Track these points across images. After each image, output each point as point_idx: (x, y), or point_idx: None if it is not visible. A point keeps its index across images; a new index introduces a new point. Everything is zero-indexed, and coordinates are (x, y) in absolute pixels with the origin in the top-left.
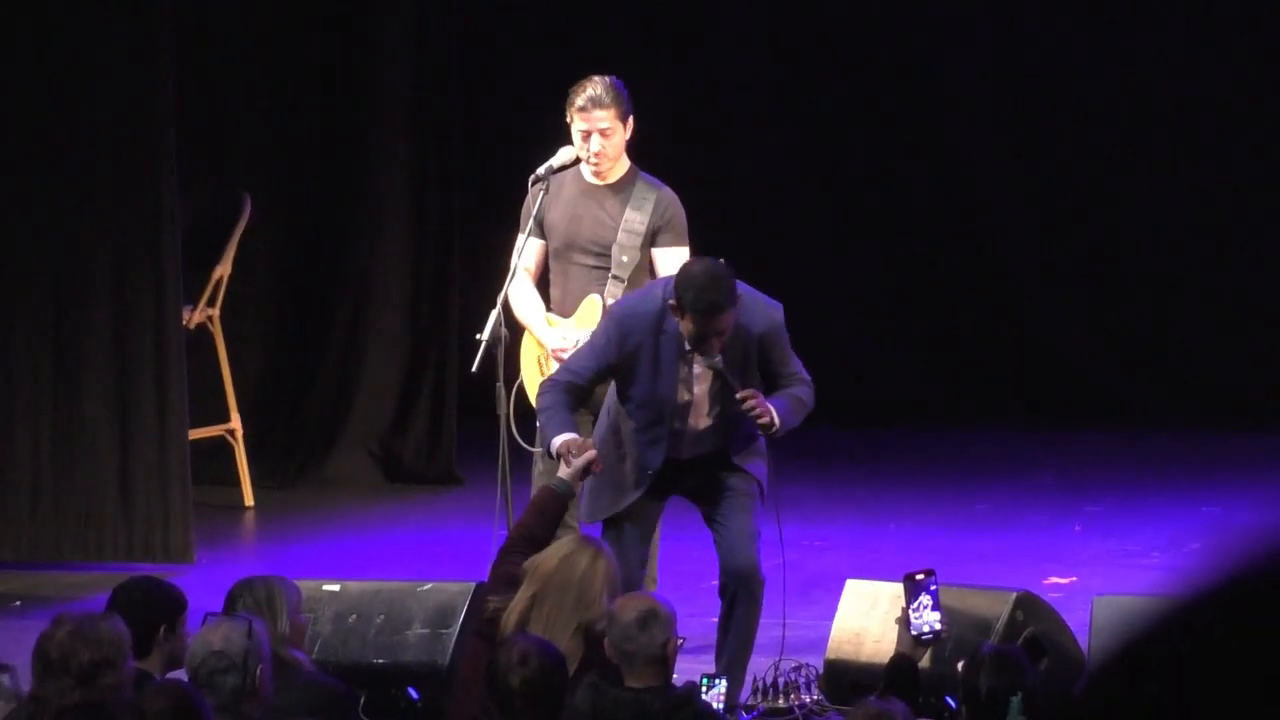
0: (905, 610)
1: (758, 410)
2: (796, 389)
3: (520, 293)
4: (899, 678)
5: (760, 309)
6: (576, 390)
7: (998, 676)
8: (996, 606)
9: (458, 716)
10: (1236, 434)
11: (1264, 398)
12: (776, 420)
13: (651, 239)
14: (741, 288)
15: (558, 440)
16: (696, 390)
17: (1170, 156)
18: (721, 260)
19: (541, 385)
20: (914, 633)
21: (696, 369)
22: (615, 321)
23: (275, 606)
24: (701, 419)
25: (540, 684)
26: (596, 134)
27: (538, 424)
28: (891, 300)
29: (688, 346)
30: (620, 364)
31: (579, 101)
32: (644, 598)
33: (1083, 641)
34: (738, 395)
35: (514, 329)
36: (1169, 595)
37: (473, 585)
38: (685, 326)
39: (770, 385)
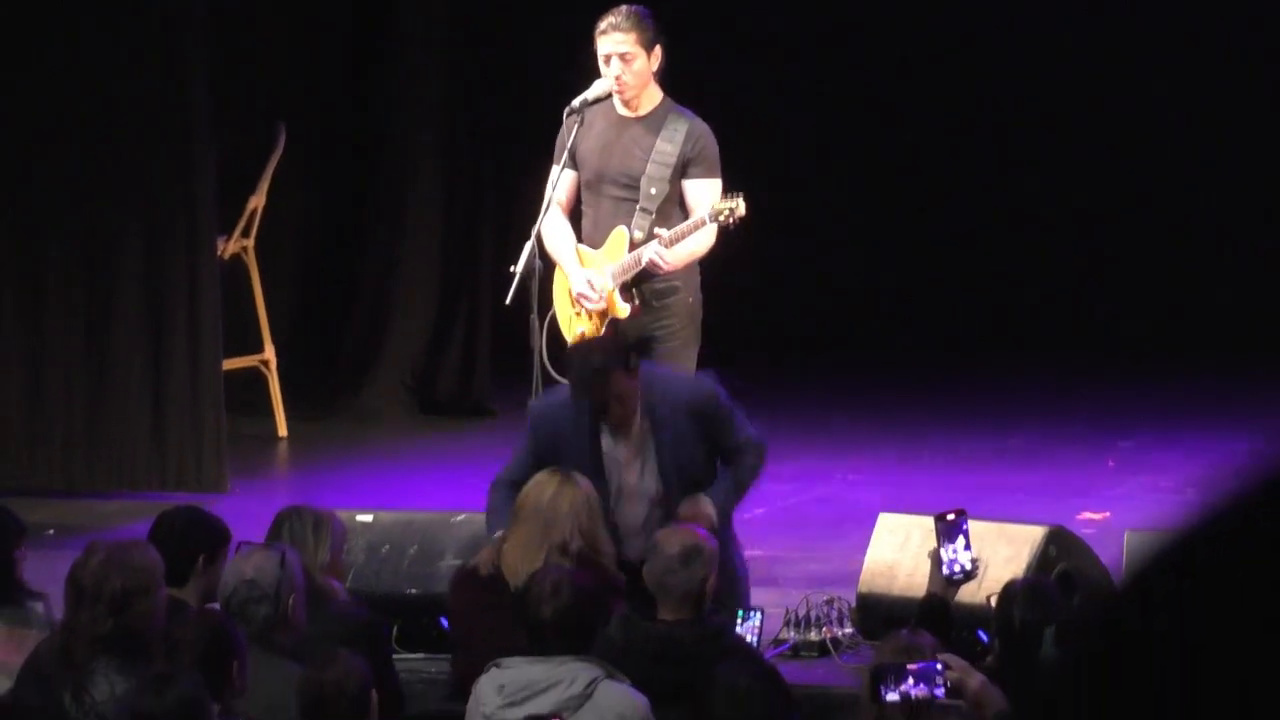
0: (936, 551)
1: (707, 523)
2: (740, 465)
3: (552, 226)
4: (930, 618)
5: (684, 384)
6: (519, 482)
7: (1031, 610)
8: (1029, 541)
9: (464, 666)
10: (1273, 369)
11: None
12: (714, 513)
13: (682, 170)
14: (663, 371)
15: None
16: (625, 475)
17: (1185, 85)
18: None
19: (490, 486)
20: (945, 573)
21: (617, 449)
22: (530, 416)
23: (320, 535)
24: (637, 506)
25: (570, 616)
26: (617, 58)
27: (486, 521)
28: (928, 240)
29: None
30: (547, 457)
31: (600, 25)
32: (688, 532)
33: (1115, 577)
34: (682, 514)
35: (548, 261)
36: (1178, 528)
37: None
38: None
39: (723, 460)
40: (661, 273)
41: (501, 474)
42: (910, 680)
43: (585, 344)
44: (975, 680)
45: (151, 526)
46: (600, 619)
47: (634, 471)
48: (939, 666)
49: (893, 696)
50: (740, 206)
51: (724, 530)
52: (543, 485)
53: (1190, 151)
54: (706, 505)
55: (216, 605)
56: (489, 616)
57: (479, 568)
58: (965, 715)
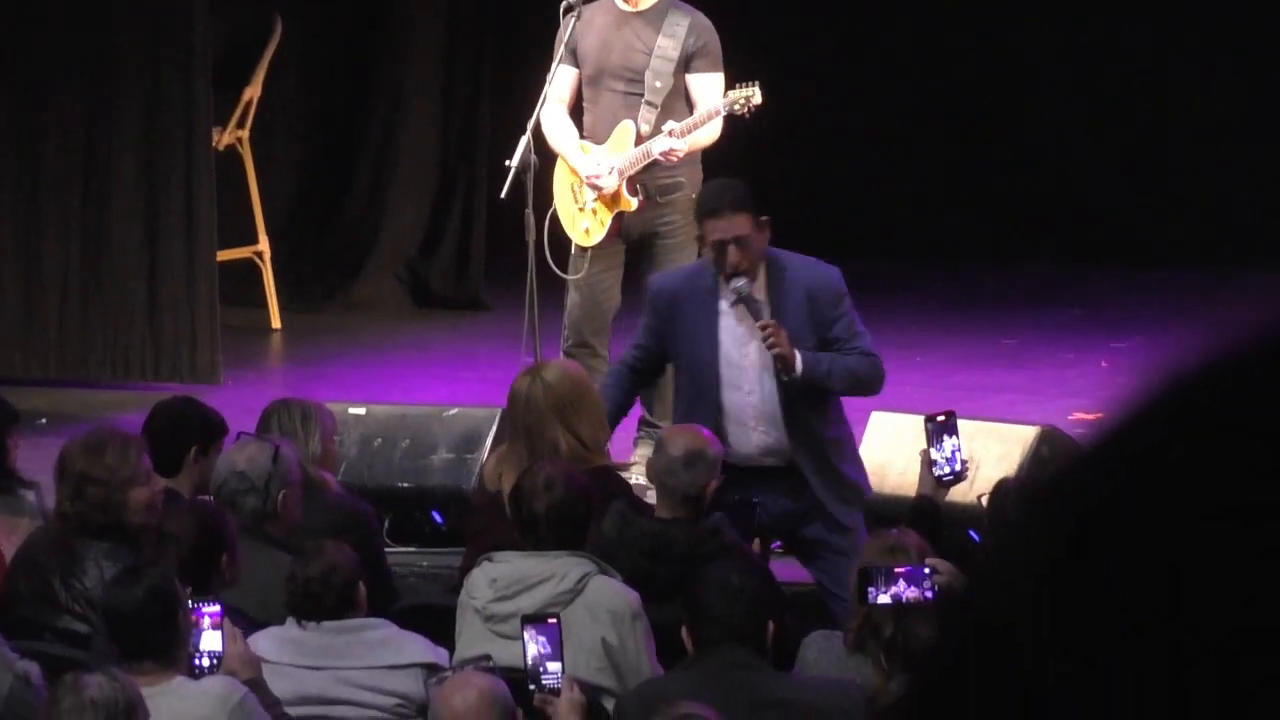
0: (926, 452)
1: (773, 341)
2: (850, 356)
3: (553, 120)
4: (921, 520)
5: (810, 268)
6: (634, 366)
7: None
8: (1021, 441)
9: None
10: (1268, 274)
11: None
12: (798, 364)
13: (685, 65)
14: (793, 254)
15: None
16: (743, 352)
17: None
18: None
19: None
20: (935, 474)
21: (734, 324)
22: (649, 290)
23: (309, 428)
24: (751, 390)
25: (563, 511)
26: None
27: None
28: (927, 140)
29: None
30: (665, 330)
31: None
32: (695, 434)
33: None
34: (758, 324)
35: (544, 156)
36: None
37: (498, 410)
38: (707, 251)
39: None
40: (674, 165)
41: (623, 354)
42: (900, 583)
43: (718, 181)
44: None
45: (146, 417)
46: (593, 515)
47: (749, 349)
48: (927, 570)
49: (882, 599)
50: (756, 95)
51: (826, 406)
52: (515, 393)
53: (1196, 58)
54: (789, 343)
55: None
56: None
57: (486, 484)
58: None
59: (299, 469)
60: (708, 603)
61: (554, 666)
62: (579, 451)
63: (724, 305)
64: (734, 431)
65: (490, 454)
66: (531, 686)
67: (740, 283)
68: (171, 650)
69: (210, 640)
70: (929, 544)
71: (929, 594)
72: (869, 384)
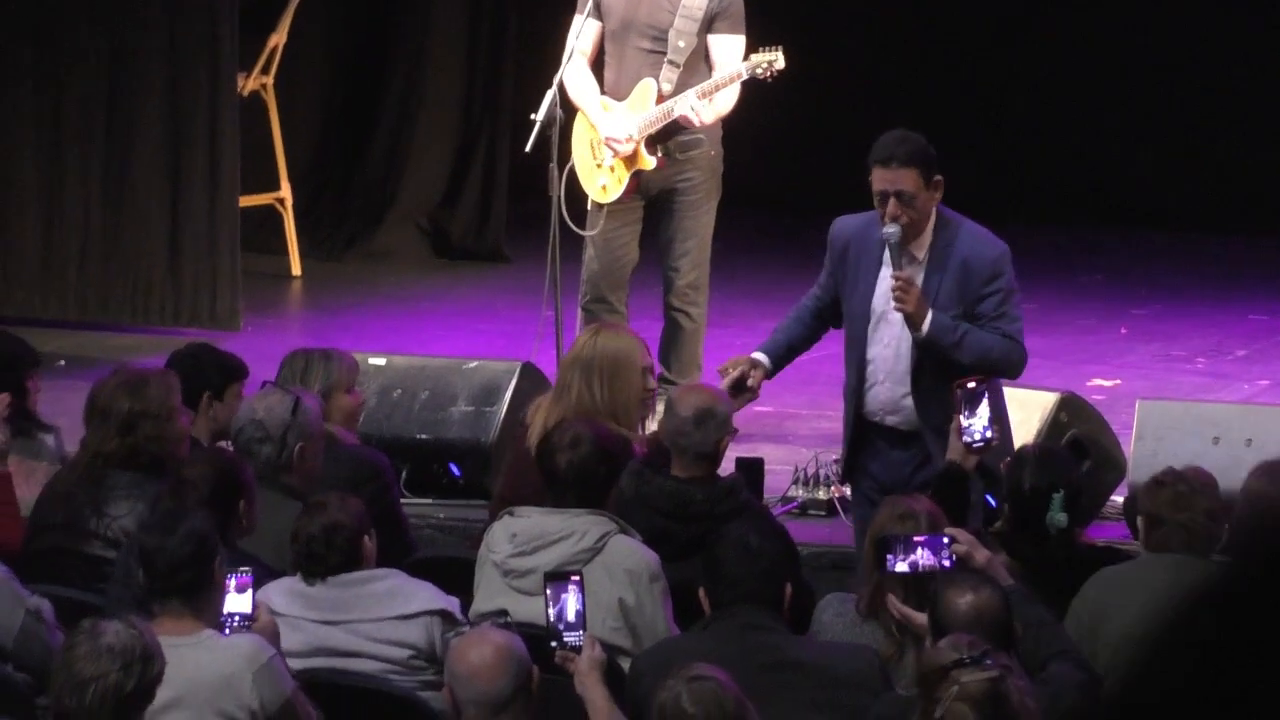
0: (957, 418)
1: (900, 294)
2: (989, 335)
3: (575, 75)
4: (948, 485)
5: (976, 239)
6: (811, 308)
7: (1040, 474)
8: (1041, 407)
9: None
10: None
11: None
12: (926, 323)
13: (708, 25)
14: (969, 222)
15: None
16: (892, 306)
17: None
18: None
19: None
20: (966, 440)
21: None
22: (831, 231)
23: (325, 378)
24: (888, 344)
25: (585, 469)
26: None
27: None
28: (950, 102)
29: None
30: (838, 273)
31: None
32: (704, 392)
33: (1125, 445)
34: (891, 275)
35: (569, 111)
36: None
37: (518, 364)
38: (875, 198)
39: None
40: (693, 127)
41: (811, 289)
42: (918, 551)
43: (898, 132)
44: (981, 554)
45: (164, 363)
46: (616, 476)
47: (896, 314)
48: (945, 539)
49: (901, 567)
50: (779, 59)
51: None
52: (577, 344)
53: (1227, 17)
54: (920, 295)
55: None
56: (519, 466)
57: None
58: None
59: (321, 422)
60: (725, 563)
61: (576, 624)
62: (587, 408)
63: (887, 256)
64: (869, 384)
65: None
66: (553, 644)
67: (892, 229)
68: (201, 595)
69: (237, 603)
70: (959, 511)
71: (946, 563)
72: (1002, 366)
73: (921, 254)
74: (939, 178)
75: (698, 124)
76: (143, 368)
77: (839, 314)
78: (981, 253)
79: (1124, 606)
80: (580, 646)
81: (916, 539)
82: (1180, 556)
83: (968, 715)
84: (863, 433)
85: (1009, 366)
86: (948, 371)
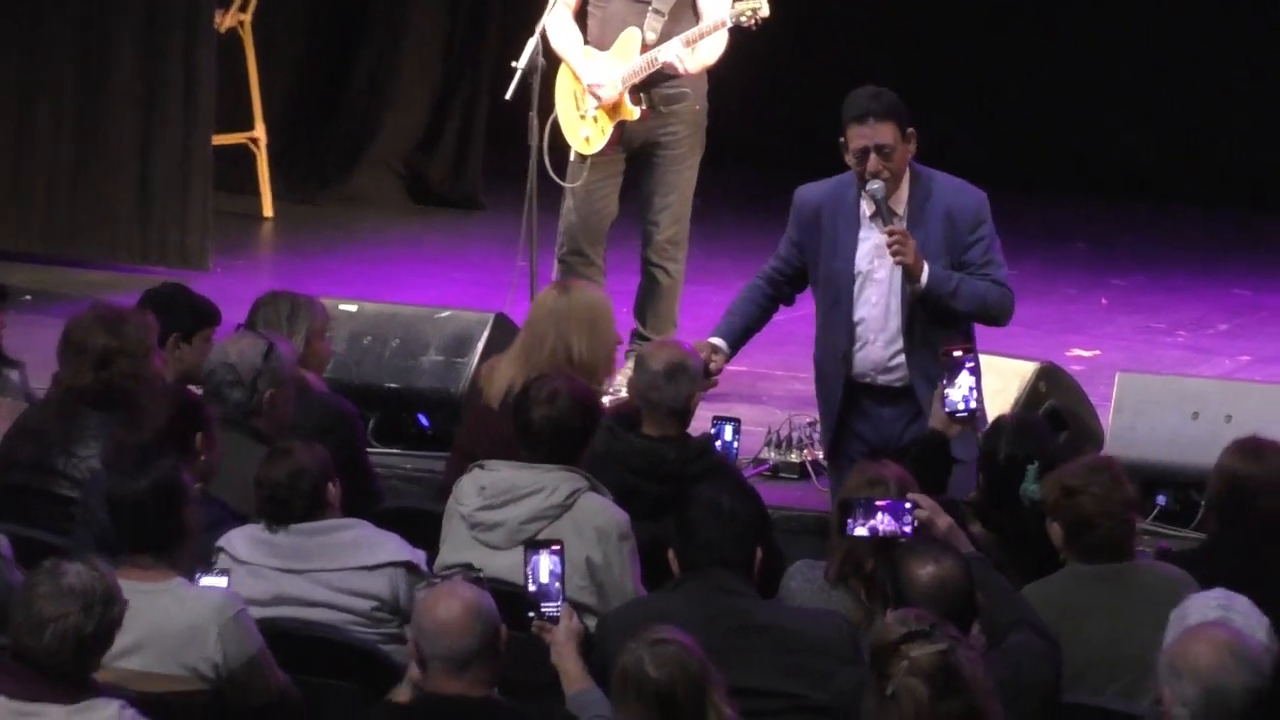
0: (940, 386)
1: (897, 247)
2: (981, 282)
3: (558, 24)
4: (929, 454)
5: (955, 188)
6: (771, 279)
7: (1016, 444)
8: (1019, 376)
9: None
10: (1273, 216)
11: None
12: (924, 275)
13: None
14: (940, 173)
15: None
16: (876, 264)
17: None
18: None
19: None
20: (948, 409)
21: (875, 236)
22: (796, 200)
23: (296, 323)
24: (877, 303)
25: (561, 425)
26: None
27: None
28: (940, 63)
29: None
30: (804, 241)
31: None
32: (674, 347)
33: (1103, 417)
34: (885, 229)
35: (551, 59)
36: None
37: (491, 315)
38: (849, 158)
39: None
40: (679, 75)
41: (763, 267)
42: (878, 516)
43: (869, 88)
44: (943, 521)
45: (137, 302)
46: (591, 432)
47: (883, 261)
48: (908, 505)
49: (860, 531)
50: (764, 7)
51: (953, 331)
52: (537, 302)
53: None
54: (915, 249)
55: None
56: (478, 422)
57: (479, 377)
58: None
59: (294, 369)
60: (697, 525)
61: (554, 594)
62: (559, 363)
63: (864, 217)
64: (859, 345)
65: (489, 360)
66: (530, 614)
67: (876, 185)
68: (172, 546)
69: None
70: (938, 479)
71: (907, 529)
72: (996, 312)
73: (900, 208)
74: (912, 129)
75: (682, 72)
76: (119, 305)
77: (798, 286)
78: (963, 202)
79: (1071, 634)
80: (558, 617)
81: (878, 503)
82: (1113, 566)
83: (919, 689)
84: (850, 395)
85: (1002, 312)
86: (939, 323)
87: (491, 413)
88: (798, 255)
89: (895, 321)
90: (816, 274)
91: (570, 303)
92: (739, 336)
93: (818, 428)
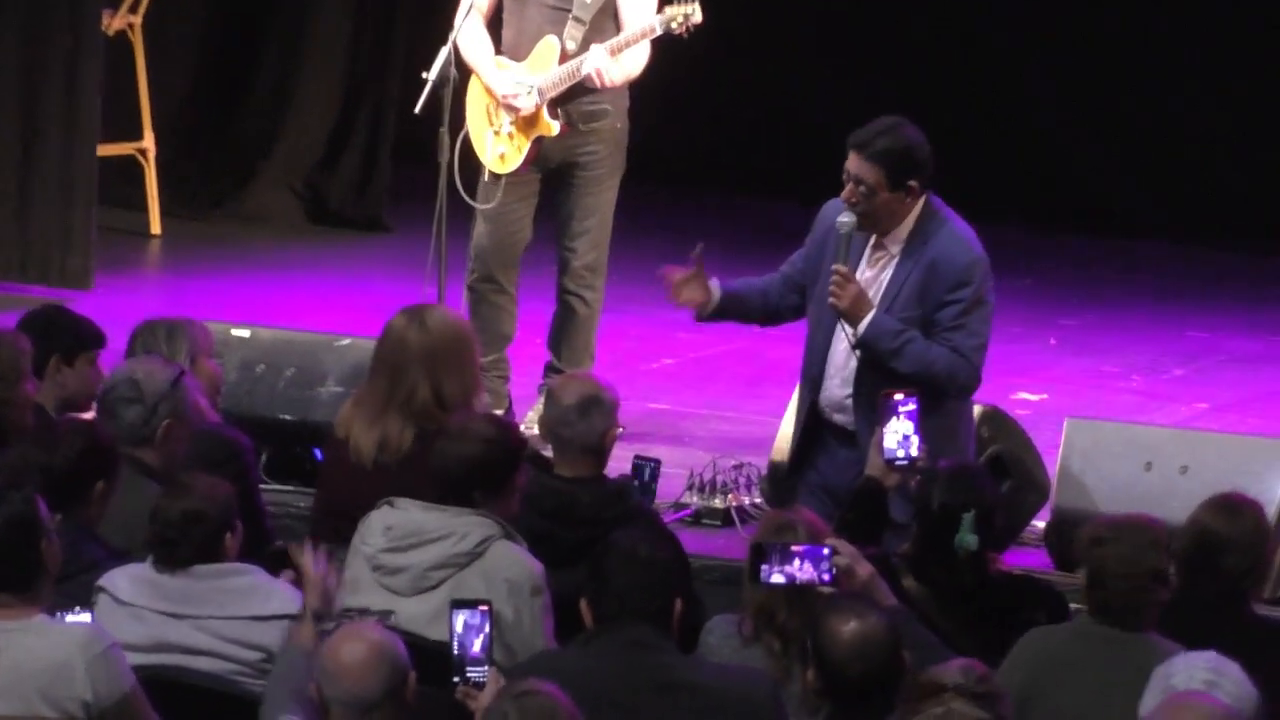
0: (880, 431)
1: (835, 290)
2: (937, 347)
3: (470, 34)
4: (865, 502)
5: (954, 239)
6: (786, 273)
7: (951, 492)
8: None
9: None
10: (1233, 253)
11: (1266, 219)
12: (866, 319)
13: None
14: (954, 224)
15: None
16: (829, 300)
17: None
18: (908, 124)
19: None
20: (887, 457)
21: (864, 268)
22: (822, 210)
23: (174, 348)
24: (840, 338)
25: (472, 467)
26: None
27: None
28: (871, 82)
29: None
30: (811, 254)
31: None
32: (587, 381)
33: (1050, 465)
34: (833, 267)
35: (463, 71)
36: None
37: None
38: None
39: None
40: (601, 86)
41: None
42: (795, 562)
43: (890, 120)
44: (864, 570)
45: (16, 323)
46: (509, 476)
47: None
48: (826, 551)
49: (776, 578)
50: (696, 12)
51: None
52: (389, 331)
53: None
54: (860, 294)
55: (80, 414)
56: (351, 483)
57: (336, 428)
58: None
59: (195, 408)
60: (612, 573)
61: (481, 657)
62: (432, 409)
63: (860, 246)
64: (827, 377)
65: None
66: (455, 679)
67: (847, 219)
68: (31, 584)
69: None
70: (873, 531)
71: (826, 576)
72: (943, 382)
73: (895, 248)
74: (914, 183)
75: (605, 84)
76: None
77: (792, 302)
78: (952, 256)
79: (1058, 686)
80: (484, 683)
81: (795, 548)
82: (1121, 634)
83: None
84: (815, 425)
85: (950, 382)
86: (888, 379)
87: (365, 473)
88: (802, 268)
89: (852, 364)
90: (812, 290)
91: (432, 337)
92: (733, 300)
93: (743, 472)
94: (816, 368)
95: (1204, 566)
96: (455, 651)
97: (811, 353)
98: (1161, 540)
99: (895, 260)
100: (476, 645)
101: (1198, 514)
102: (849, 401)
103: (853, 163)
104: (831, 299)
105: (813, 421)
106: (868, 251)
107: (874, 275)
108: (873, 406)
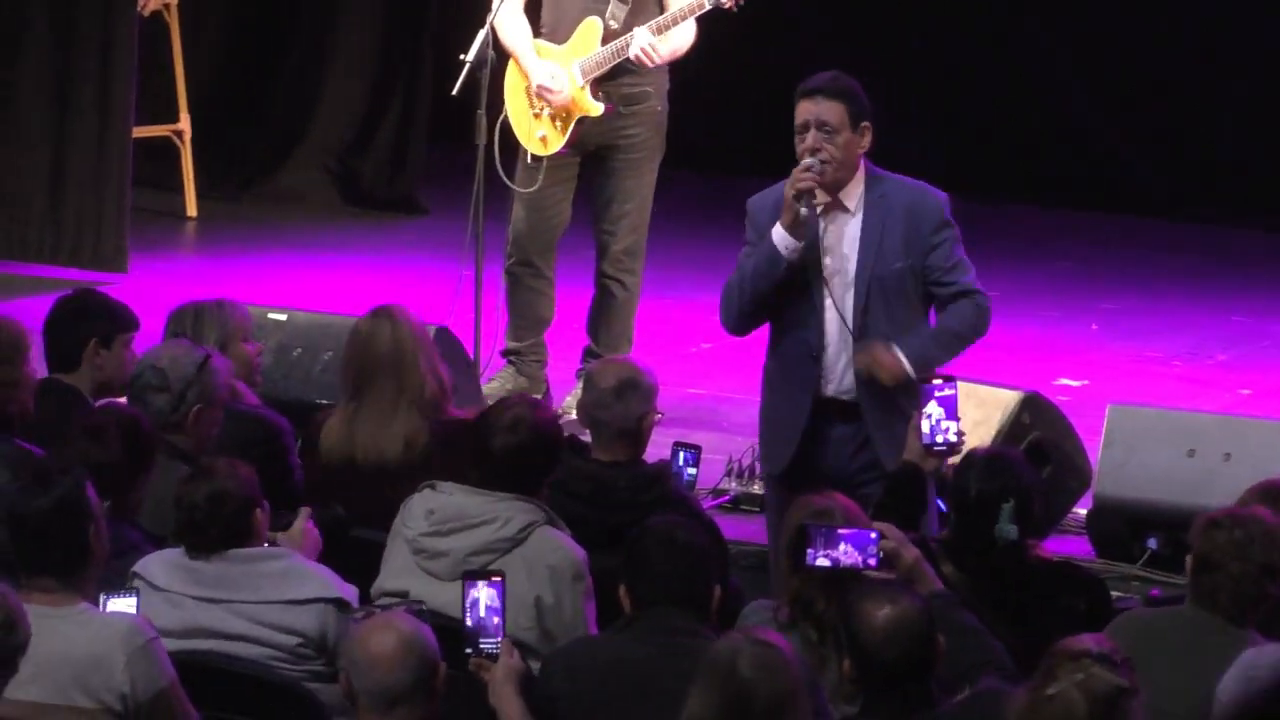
0: (918, 417)
1: (878, 369)
2: (949, 316)
3: (508, 17)
4: (903, 487)
5: (914, 190)
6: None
7: (988, 480)
8: (1001, 406)
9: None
10: (1278, 236)
11: None
12: (906, 366)
13: None
14: (899, 176)
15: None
16: (837, 261)
17: None
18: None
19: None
20: (925, 442)
21: (825, 234)
22: (752, 209)
23: (200, 330)
24: (829, 307)
25: (520, 454)
26: None
27: (740, 289)
28: (924, 69)
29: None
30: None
31: None
32: (625, 364)
33: (1091, 452)
34: (872, 352)
35: (501, 53)
36: None
37: (433, 329)
38: (797, 140)
39: (932, 298)
40: (650, 65)
41: (730, 278)
42: (840, 546)
43: (830, 71)
44: (910, 553)
45: (52, 305)
46: (554, 464)
47: (834, 270)
48: (873, 535)
49: (821, 561)
50: None
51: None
52: (373, 334)
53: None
54: (885, 353)
55: (117, 399)
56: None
57: (327, 452)
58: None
59: (226, 390)
60: (650, 559)
61: (494, 629)
62: (440, 400)
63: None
64: (821, 359)
65: (332, 414)
66: (468, 650)
67: (810, 161)
68: (76, 570)
69: None
70: (912, 516)
71: (872, 560)
72: (980, 328)
73: (853, 203)
74: (867, 124)
75: (654, 62)
76: None
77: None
78: (925, 200)
79: (1148, 667)
80: (497, 654)
81: (841, 531)
82: (1225, 625)
83: (1078, 704)
84: (814, 421)
85: (982, 325)
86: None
87: (388, 475)
88: None
89: (844, 327)
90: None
91: (414, 330)
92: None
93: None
94: (815, 350)
95: None
96: (468, 623)
97: (799, 342)
98: (1278, 538)
99: (858, 217)
100: (488, 616)
101: (1245, 500)
102: (850, 371)
103: (811, 107)
104: (882, 379)
105: (813, 418)
106: (825, 233)
107: (836, 232)
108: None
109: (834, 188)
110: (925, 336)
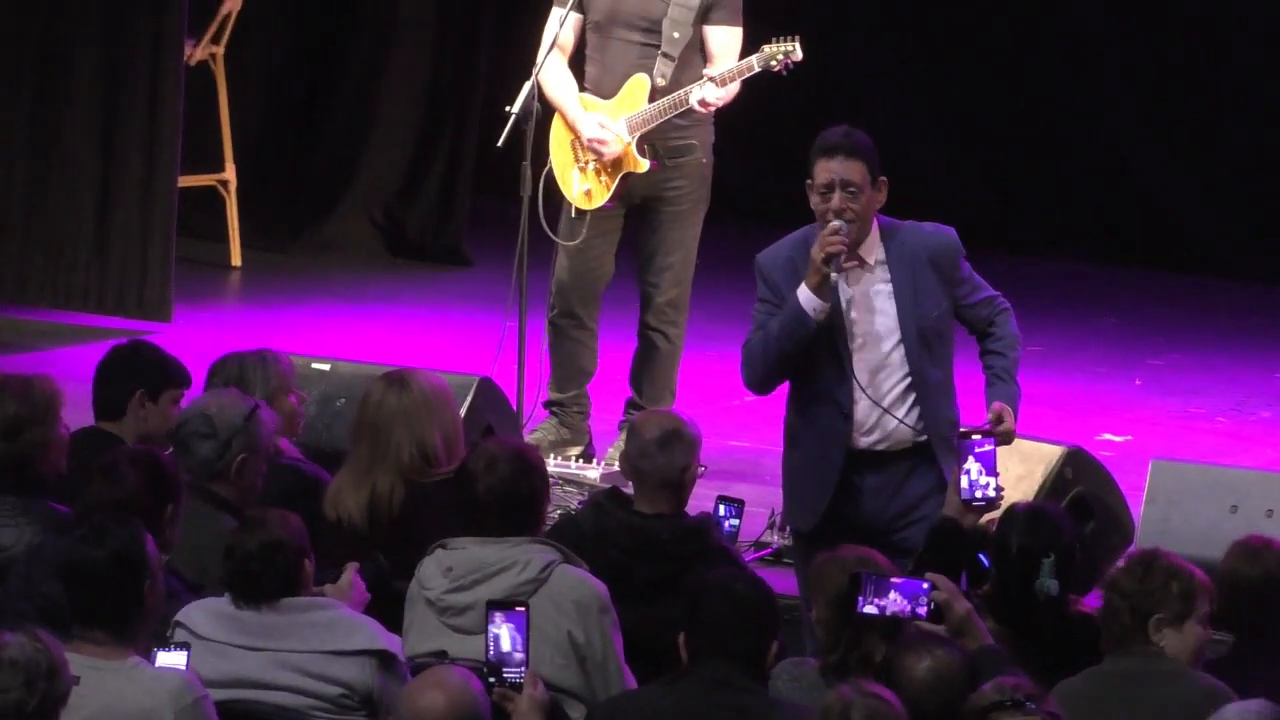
0: (957, 472)
1: (999, 422)
2: (997, 333)
3: (553, 72)
4: (942, 541)
5: (928, 231)
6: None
7: (1030, 535)
8: (1044, 461)
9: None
10: None
11: None
12: (1012, 419)
13: (704, 15)
14: (904, 221)
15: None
16: (865, 317)
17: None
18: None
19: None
20: (964, 497)
21: (850, 289)
22: (757, 268)
23: (244, 387)
24: (870, 354)
25: (507, 491)
26: None
27: (765, 350)
28: (953, 109)
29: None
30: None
31: None
32: (669, 416)
33: (1134, 507)
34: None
35: (546, 106)
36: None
37: (475, 379)
38: (814, 198)
39: (969, 325)
40: (695, 116)
41: (750, 337)
42: (890, 595)
43: (841, 126)
44: (961, 605)
45: (105, 354)
46: (544, 496)
47: (863, 326)
48: (925, 586)
49: (869, 609)
50: (796, 50)
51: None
52: (368, 397)
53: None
54: (1012, 419)
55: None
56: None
57: (326, 510)
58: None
59: (271, 441)
60: (706, 610)
61: (518, 659)
62: (418, 463)
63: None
64: (852, 407)
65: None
66: (491, 679)
67: (837, 224)
68: (129, 623)
69: None
70: (950, 572)
71: (921, 610)
72: (1020, 346)
73: (873, 258)
74: (884, 179)
75: (715, 106)
76: (20, 372)
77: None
78: (941, 242)
79: None
80: (520, 684)
81: (894, 580)
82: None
83: None
84: (843, 477)
85: (1020, 340)
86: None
87: (362, 537)
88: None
89: (891, 385)
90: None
91: (412, 397)
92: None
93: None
94: (846, 407)
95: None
96: (491, 654)
97: (828, 400)
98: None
99: (881, 268)
100: (512, 647)
101: (1224, 563)
102: (886, 421)
103: (835, 166)
104: (1006, 442)
105: (844, 473)
106: (850, 288)
107: (861, 288)
108: (934, 419)
109: (854, 245)
110: (1012, 384)
